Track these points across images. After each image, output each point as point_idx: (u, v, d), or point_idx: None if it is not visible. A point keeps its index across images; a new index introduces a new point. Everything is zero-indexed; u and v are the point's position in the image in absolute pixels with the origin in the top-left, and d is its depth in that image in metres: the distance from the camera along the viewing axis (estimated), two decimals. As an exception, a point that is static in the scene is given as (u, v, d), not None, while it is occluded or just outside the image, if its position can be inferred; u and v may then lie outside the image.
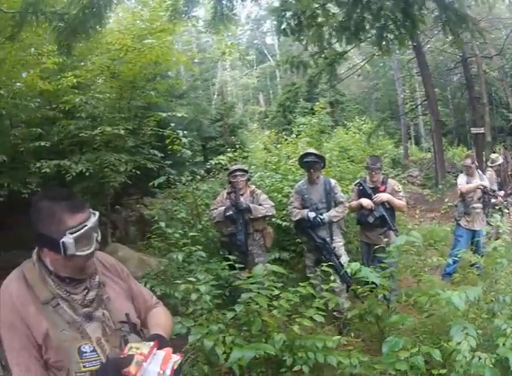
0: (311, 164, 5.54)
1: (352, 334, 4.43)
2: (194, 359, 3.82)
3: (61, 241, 1.63)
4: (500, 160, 8.70)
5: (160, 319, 2.04)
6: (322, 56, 12.93)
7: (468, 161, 7.13)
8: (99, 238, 1.80)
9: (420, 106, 22.94)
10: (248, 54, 45.25)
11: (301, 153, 5.83)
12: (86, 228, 1.68)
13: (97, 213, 1.79)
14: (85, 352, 1.67)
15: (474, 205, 6.89)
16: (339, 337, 3.61)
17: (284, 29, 6.04)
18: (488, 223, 6.89)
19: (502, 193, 7.65)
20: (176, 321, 3.49)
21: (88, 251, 1.71)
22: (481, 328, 4.10)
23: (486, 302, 4.31)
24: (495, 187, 7.56)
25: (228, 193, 5.67)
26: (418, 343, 4.44)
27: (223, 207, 5.54)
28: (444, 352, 3.37)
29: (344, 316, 4.95)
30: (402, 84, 24.89)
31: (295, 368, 3.30)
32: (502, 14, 19.95)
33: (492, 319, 3.70)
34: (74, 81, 6.81)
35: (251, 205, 5.49)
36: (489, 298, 4.36)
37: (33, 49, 7.14)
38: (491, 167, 8.38)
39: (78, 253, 1.67)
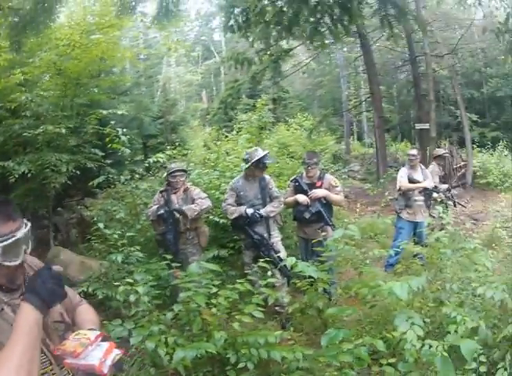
0: (266, 165, 5.57)
1: (292, 329, 4.43)
2: (141, 361, 3.77)
3: None
4: (442, 152, 8.88)
5: (89, 316, 2.06)
6: (268, 52, 13.03)
7: (413, 151, 7.38)
8: (29, 250, 1.73)
9: (364, 103, 23.33)
10: (194, 50, 44.98)
11: (260, 155, 5.62)
12: (14, 238, 1.62)
13: (29, 224, 1.73)
14: None
15: (416, 198, 7.04)
16: (280, 332, 3.61)
17: (231, 25, 5.99)
18: (431, 215, 7.10)
19: (445, 186, 7.84)
20: (118, 324, 3.45)
21: (16, 262, 1.65)
22: (429, 316, 4.22)
23: (432, 291, 4.43)
24: (437, 180, 7.74)
25: (161, 192, 5.63)
26: (364, 334, 4.57)
27: (156, 206, 5.49)
28: (391, 341, 3.45)
29: (285, 310, 4.99)
30: (347, 82, 25.34)
31: (240, 365, 3.28)
32: (460, 15, 20.60)
33: (440, 308, 3.79)
34: (21, 78, 6.60)
35: (185, 207, 5.42)
36: (435, 287, 4.49)
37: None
38: (435, 158, 8.57)
39: (5, 263, 1.62)
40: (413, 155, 7.26)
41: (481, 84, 25.04)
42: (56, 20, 5.84)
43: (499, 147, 17.33)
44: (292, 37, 6.44)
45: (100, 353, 1.63)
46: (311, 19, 5.58)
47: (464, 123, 18.43)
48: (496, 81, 24.07)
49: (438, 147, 16.74)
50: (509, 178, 15.31)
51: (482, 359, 3.25)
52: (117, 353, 1.70)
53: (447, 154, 8.76)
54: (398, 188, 7.24)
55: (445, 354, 2.88)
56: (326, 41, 7.20)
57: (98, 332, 1.72)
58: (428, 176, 7.26)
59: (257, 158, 5.47)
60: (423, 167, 7.46)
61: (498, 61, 23.14)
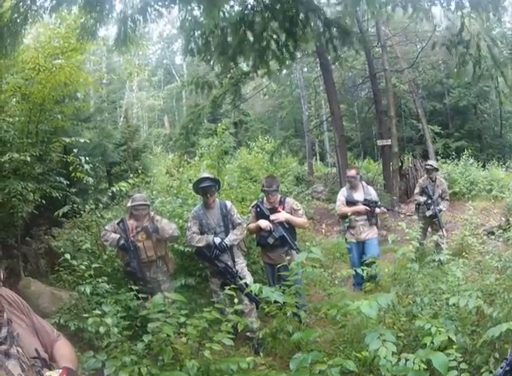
0: (207, 188, 5.48)
1: (264, 354, 4.42)
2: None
3: None
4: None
5: (66, 351, 2.06)
6: (228, 76, 13.12)
7: (352, 172, 7.23)
8: (2, 277, 1.78)
9: (325, 123, 23.51)
10: (156, 74, 45.04)
11: (196, 179, 5.79)
12: None
13: None
14: None
15: (356, 218, 6.97)
16: (252, 358, 3.57)
17: (191, 49, 5.98)
18: (377, 227, 7.19)
19: (423, 198, 7.81)
20: (90, 355, 3.40)
21: None
22: (403, 330, 4.24)
23: (403, 306, 4.46)
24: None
25: (118, 224, 5.59)
26: (339, 353, 4.56)
27: (117, 236, 5.46)
28: (365, 359, 3.44)
29: (256, 335, 4.95)
30: (307, 102, 25.59)
31: (215, 393, 3.23)
32: (419, 28, 21.14)
33: (413, 321, 3.83)
34: None
35: (158, 226, 5.47)
36: (406, 301, 4.52)
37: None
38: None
39: None
40: (352, 176, 7.18)
41: (443, 95, 25.68)
42: (22, 43, 5.78)
43: (463, 156, 17.53)
44: (236, 66, 6.41)
45: None
46: (257, 47, 5.57)
47: (426, 135, 18.83)
48: (459, 91, 24.65)
49: (401, 162, 17.15)
50: (475, 186, 15.55)
51: (463, 366, 3.27)
52: None
53: (428, 166, 8.77)
54: (337, 213, 7.26)
55: (423, 366, 2.90)
56: (274, 70, 7.19)
57: (60, 371, 1.71)
58: (371, 194, 7.16)
59: (193, 184, 5.66)
60: (365, 184, 7.40)
61: (453, 76, 23.77)
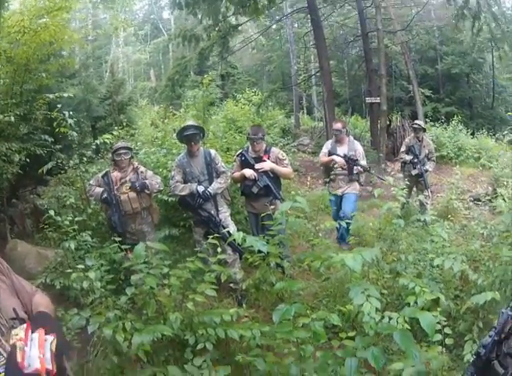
0: (191, 136, 5.41)
1: (248, 305, 4.44)
2: (103, 351, 3.69)
3: None
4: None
5: (41, 300, 2.03)
6: (216, 29, 12.92)
7: (338, 125, 7.11)
8: None
9: (313, 78, 23.34)
10: (143, 29, 44.09)
11: (181, 127, 5.69)
12: None
13: None
14: None
15: (336, 172, 6.91)
16: (236, 309, 3.57)
17: (179, 2, 5.85)
18: (360, 184, 7.07)
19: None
20: (74, 313, 3.40)
21: None
22: (387, 288, 4.27)
23: (387, 262, 4.49)
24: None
25: (102, 177, 5.53)
26: (322, 307, 4.59)
27: (101, 189, 5.42)
28: (348, 314, 3.46)
29: (240, 286, 4.99)
30: (296, 57, 25.25)
31: (199, 346, 3.24)
32: None
33: (397, 279, 3.81)
34: None
35: (147, 181, 5.44)
36: (391, 258, 4.54)
37: None
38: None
39: None
40: (337, 130, 7.06)
41: (436, 61, 25.40)
42: (8, 7, 5.58)
43: (453, 122, 17.57)
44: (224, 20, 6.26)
45: (36, 351, 1.54)
46: None
47: (416, 97, 18.73)
48: (452, 59, 24.48)
49: (389, 121, 17.13)
50: (464, 152, 15.68)
51: (447, 331, 3.30)
52: (50, 341, 1.60)
53: (416, 125, 8.72)
54: (320, 162, 7.17)
55: (407, 326, 2.88)
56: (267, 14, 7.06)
57: (24, 325, 1.63)
58: (357, 150, 7.01)
59: (177, 133, 5.54)
60: (351, 139, 7.27)
61: (454, 39, 23.57)
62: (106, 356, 3.62)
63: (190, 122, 5.87)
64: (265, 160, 5.77)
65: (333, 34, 22.12)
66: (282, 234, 4.28)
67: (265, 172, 5.71)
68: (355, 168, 6.82)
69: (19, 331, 1.60)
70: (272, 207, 4.82)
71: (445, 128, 17.45)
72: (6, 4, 5.23)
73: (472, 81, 26.49)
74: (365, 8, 16.89)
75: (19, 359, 1.48)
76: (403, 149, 8.75)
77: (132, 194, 5.38)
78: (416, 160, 8.31)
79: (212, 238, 3.89)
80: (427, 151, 8.48)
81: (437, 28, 23.39)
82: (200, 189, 5.33)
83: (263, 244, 3.22)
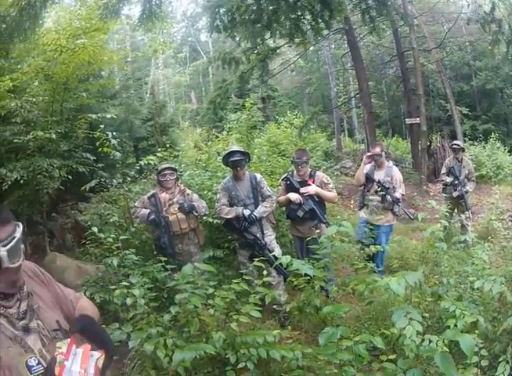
0: (238, 162, 5.44)
1: (289, 327, 4.42)
2: (141, 364, 3.73)
3: None
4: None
5: (85, 303, 2.11)
6: (255, 52, 13.10)
7: (377, 149, 6.74)
8: (24, 249, 1.75)
9: (353, 99, 23.33)
10: (182, 51, 44.93)
11: (226, 152, 5.72)
12: (16, 239, 1.65)
13: (21, 224, 1.75)
14: (33, 366, 1.63)
15: (371, 197, 6.63)
16: (279, 331, 3.58)
17: (217, 25, 5.98)
18: (395, 214, 6.57)
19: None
20: (115, 327, 3.46)
21: (18, 263, 1.67)
22: (428, 311, 4.21)
23: (429, 286, 4.43)
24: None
25: (149, 198, 5.59)
26: (364, 330, 4.56)
27: (146, 211, 5.48)
28: (390, 337, 3.43)
29: (283, 308, 4.97)
30: (335, 78, 25.30)
31: (240, 365, 3.27)
32: (446, 8, 20.67)
33: (438, 302, 3.77)
34: (10, 84, 6.51)
35: (195, 203, 5.51)
36: (432, 281, 4.48)
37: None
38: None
39: (11, 265, 1.62)
40: (377, 154, 6.68)
41: (471, 77, 25.04)
42: (43, 26, 5.78)
43: (490, 140, 17.28)
44: (272, 35, 6.38)
45: (78, 366, 1.56)
46: (292, 16, 5.55)
47: (455, 116, 18.47)
48: (486, 74, 24.06)
49: (429, 141, 16.93)
50: (502, 170, 15.39)
51: (483, 352, 3.24)
52: (96, 358, 1.63)
53: (455, 146, 8.57)
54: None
55: (446, 349, 2.84)
56: (309, 39, 7.13)
57: (68, 339, 1.65)
58: (393, 176, 6.61)
59: (223, 157, 5.60)
60: (390, 164, 6.84)
61: (486, 54, 23.23)
62: (143, 370, 3.66)
63: (235, 147, 5.91)
64: (309, 184, 5.77)
65: (369, 55, 22.12)
66: (327, 258, 4.31)
67: (310, 196, 5.70)
68: (388, 196, 6.48)
69: (63, 345, 1.63)
70: (318, 231, 4.83)
71: (484, 147, 17.19)
72: (41, 21, 5.39)
73: (506, 95, 25.76)
74: (399, 26, 16.84)
75: (56, 372, 1.52)
76: (444, 171, 8.64)
77: (181, 215, 5.43)
78: (456, 182, 8.19)
79: (258, 261, 3.92)
80: (466, 171, 8.35)
81: (469, 43, 23.12)
82: (246, 212, 5.36)
83: (309, 267, 3.24)
